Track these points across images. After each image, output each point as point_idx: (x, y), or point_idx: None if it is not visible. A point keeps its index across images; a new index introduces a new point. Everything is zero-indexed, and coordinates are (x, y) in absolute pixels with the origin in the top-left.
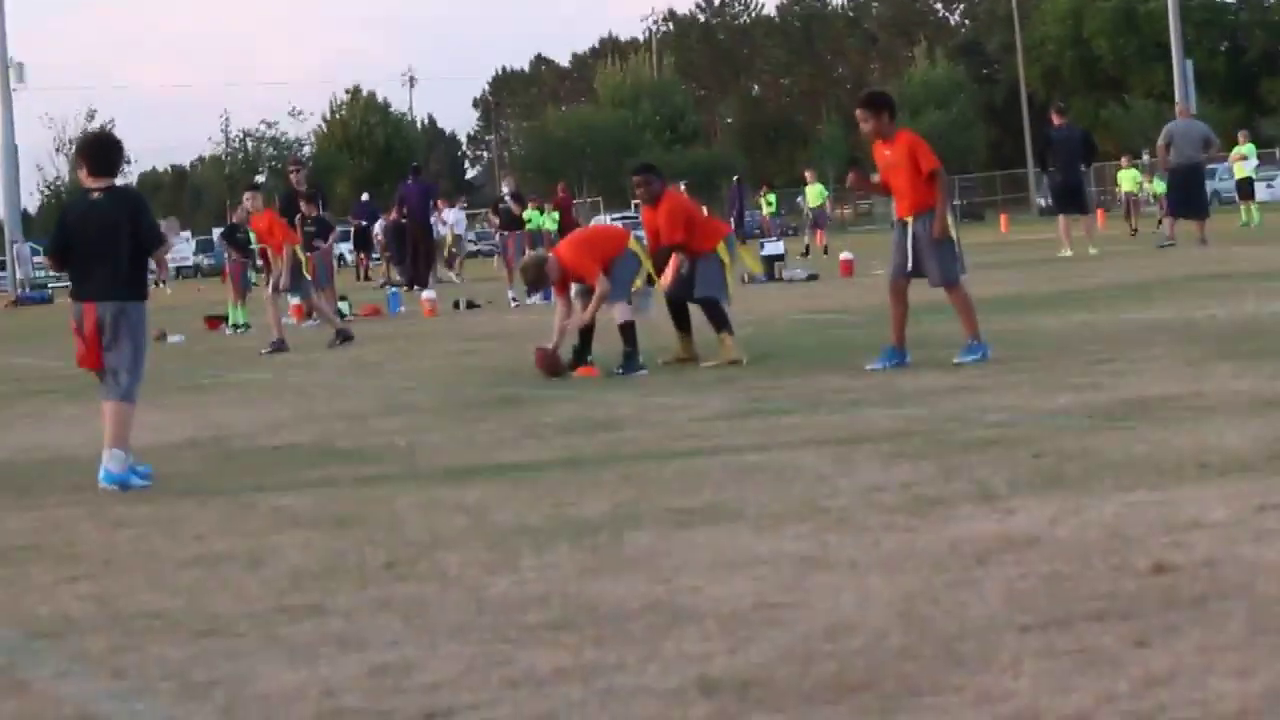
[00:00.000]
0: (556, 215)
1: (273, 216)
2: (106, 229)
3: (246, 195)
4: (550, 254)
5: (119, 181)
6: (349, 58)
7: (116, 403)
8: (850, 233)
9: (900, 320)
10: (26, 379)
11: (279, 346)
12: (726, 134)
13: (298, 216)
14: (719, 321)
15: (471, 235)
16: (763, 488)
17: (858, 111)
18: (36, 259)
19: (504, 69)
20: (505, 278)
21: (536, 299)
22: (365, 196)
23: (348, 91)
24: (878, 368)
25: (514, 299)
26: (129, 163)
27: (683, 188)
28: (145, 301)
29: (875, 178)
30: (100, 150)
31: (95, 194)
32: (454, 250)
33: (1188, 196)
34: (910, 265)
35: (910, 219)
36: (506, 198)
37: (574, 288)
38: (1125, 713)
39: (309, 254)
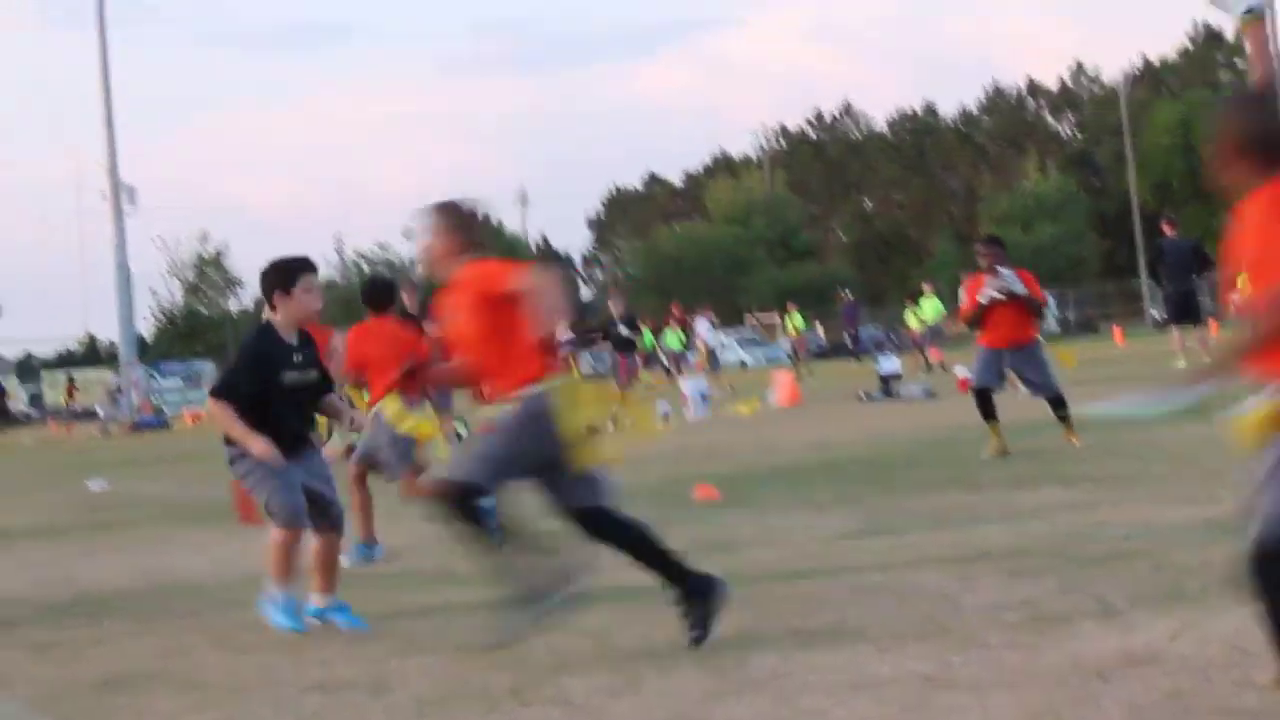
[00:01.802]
0: (682, 334)
1: None
2: None
3: None
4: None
5: (272, 315)
6: (461, 177)
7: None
8: (964, 348)
9: (364, 508)
10: (146, 504)
11: None
12: (839, 250)
13: None
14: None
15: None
16: (885, 607)
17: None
18: (152, 383)
19: (617, 188)
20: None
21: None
22: None
23: None
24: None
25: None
26: (238, 285)
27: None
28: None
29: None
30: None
31: None
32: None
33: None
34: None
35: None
36: (618, 323)
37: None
38: None
39: None
